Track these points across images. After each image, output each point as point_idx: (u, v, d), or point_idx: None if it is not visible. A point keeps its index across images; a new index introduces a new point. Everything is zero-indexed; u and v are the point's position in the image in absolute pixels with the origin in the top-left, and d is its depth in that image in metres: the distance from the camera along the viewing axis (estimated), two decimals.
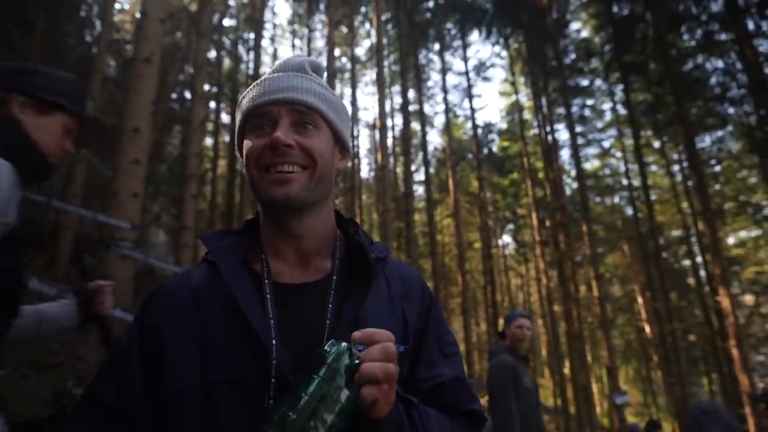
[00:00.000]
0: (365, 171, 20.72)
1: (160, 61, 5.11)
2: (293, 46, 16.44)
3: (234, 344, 0.47)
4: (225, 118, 15.46)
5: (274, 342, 0.46)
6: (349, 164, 17.12)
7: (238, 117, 0.58)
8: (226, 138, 15.74)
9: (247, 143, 0.54)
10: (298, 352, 0.47)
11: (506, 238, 22.64)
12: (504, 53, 17.09)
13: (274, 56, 15.89)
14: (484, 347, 16.80)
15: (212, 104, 15.12)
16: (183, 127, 13.78)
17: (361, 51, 17.82)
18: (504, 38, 16.74)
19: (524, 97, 17.59)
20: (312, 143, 0.53)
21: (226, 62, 14.88)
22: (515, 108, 17.56)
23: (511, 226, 20.19)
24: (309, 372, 0.40)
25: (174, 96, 14.92)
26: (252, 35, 14.24)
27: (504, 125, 19.61)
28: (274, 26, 15.91)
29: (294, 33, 16.43)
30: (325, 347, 0.42)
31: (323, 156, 0.54)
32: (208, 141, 15.25)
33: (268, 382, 0.45)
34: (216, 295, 0.50)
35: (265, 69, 15.51)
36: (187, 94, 14.19)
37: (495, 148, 19.21)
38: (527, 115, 17.65)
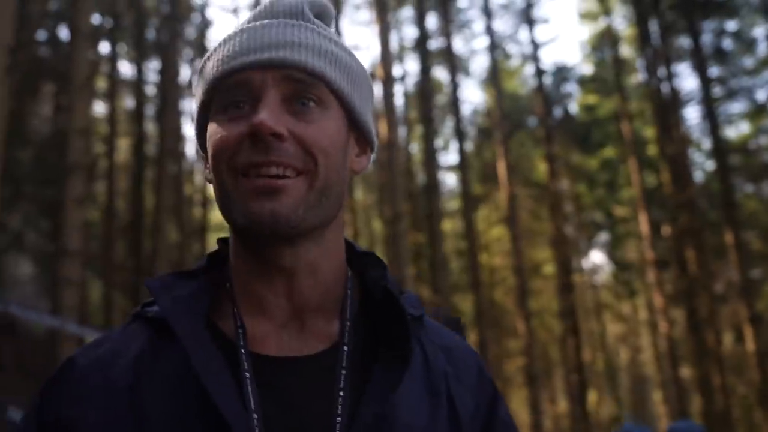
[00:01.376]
0: None
1: None
2: None
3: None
4: (126, 69, 16.13)
5: None
6: None
7: (199, 89, 0.62)
8: (129, 102, 16.15)
9: (212, 130, 0.58)
10: None
11: (597, 257, 22.91)
12: None
13: None
14: None
15: (105, 47, 15.45)
16: (58, 86, 14.18)
17: None
18: None
19: (620, 21, 17.67)
20: (314, 132, 0.56)
21: None
22: (606, 40, 17.74)
23: (604, 237, 20.47)
24: None
25: (42, 36, 15.18)
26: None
27: (588, 69, 19.70)
28: None
29: None
30: None
31: (332, 152, 0.57)
32: (100, 108, 15.62)
33: None
34: (166, 374, 0.55)
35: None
36: (64, 32, 14.74)
37: (574, 108, 19.49)
38: (626, 51, 17.86)
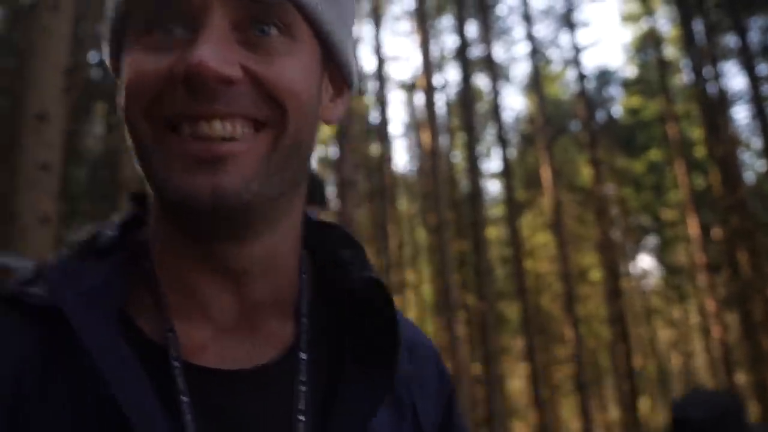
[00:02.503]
0: (402, 160, 21.38)
1: (73, 4, 5.22)
2: None
3: None
4: None
5: None
6: (377, 150, 17.72)
7: (111, 8, 0.45)
8: None
9: (128, 61, 0.42)
10: None
11: (645, 261, 22.64)
12: None
13: None
14: None
15: None
16: (109, 107, 13.99)
17: None
18: None
19: (664, 22, 17.53)
20: (279, 71, 0.41)
21: None
22: (649, 41, 17.66)
23: (652, 241, 20.21)
24: None
25: (94, 58, 15.72)
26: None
27: (631, 71, 19.66)
28: None
29: None
30: None
31: (304, 97, 0.43)
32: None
33: None
34: (63, 391, 0.39)
35: None
36: None
37: (618, 111, 19.46)
38: (670, 52, 17.71)
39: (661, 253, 20.00)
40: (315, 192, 1.73)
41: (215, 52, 0.37)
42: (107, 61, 0.48)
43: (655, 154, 18.05)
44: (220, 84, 0.37)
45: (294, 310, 0.49)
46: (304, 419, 0.43)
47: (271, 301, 0.47)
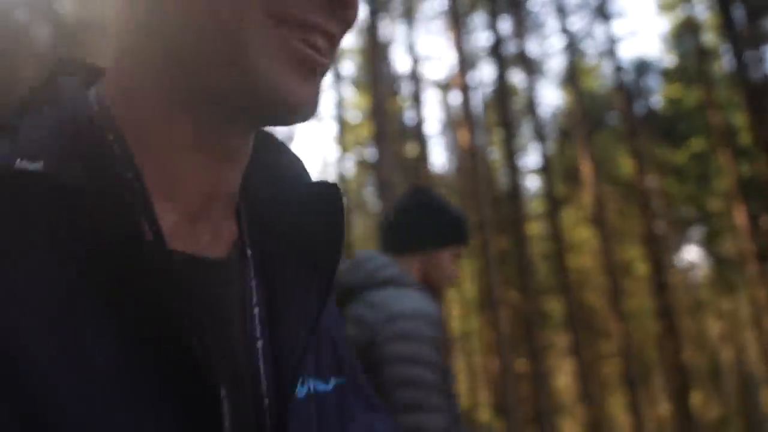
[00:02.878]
0: (438, 160, 21.37)
1: None
2: None
3: (128, 375, 0.32)
4: None
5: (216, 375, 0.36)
6: (413, 150, 17.77)
7: None
8: None
9: None
10: (235, 398, 0.38)
11: (691, 253, 22.17)
12: None
13: None
14: None
15: None
16: None
17: None
18: None
19: (702, 9, 17.31)
20: None
21: None
22: (687, 28, 17.48)
23: (697, 232, 20.05)
24: None
25: None
26: None
27: (670, 61, 19.39)
28: None
29: None
30: None
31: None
32: None
33: None
34: (58, 253, 0.33)
35: None
36: None
37: (658, 102, 19.28)
38: (710, 39, 17.47)
39: (709, 244, 19.69)
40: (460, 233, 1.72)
41: None
42: None
43: (697, 144, 17.81)
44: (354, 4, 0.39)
45: (236, 205, 0.49)
46: (258, 311, 0.44)
47: (231, 191, 0.46)
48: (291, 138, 17.99)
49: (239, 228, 0.47)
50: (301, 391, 0.45)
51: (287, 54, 0.37)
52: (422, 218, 1.71)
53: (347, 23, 0.40)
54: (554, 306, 17.56)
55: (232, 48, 0.36)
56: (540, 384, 14.32)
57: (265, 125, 0.43)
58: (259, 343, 0.43)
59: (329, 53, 0.40)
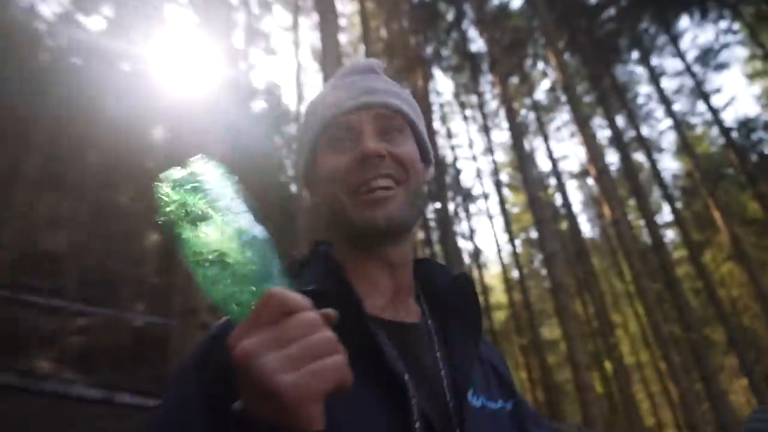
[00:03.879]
0: (587, 229, 23.84)
1: None
2: (465, 117, 22.98)
3: (363, 387, 0.55)
4: None
5: (409, 385, 0.59)
6: (564, 225, 21.38)
7: (308, 135, 0.78)
8: (420, 235, 21.97)
9: (324, 161, 0.73)
10: (429, 400, 0.62)
11: None
12: (736, 25, 19.43)
13: (449, 135, 22.57)
14: None
15: None
16: None
17: (540, 95, 22.99)
18: (729, 7, 19.47)
19: None
20: (403, 151, 0.71)
21: None
22: None
23: None
24: None
25: None
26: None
27: None
28: (441, 106, 22.89)
29: (462, 104, 23.08)
30: None
31: (416, 165, 0.73)
32: None
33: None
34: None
35: (445, 152, 22.00)
36: None
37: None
38: None
39: None
40: None
41: (372, 142, 0.68)
42: (302, 175, 0.81)
43: None
44: (377, 158, 0.67)
45: (415, 294, 0.77)
46: (439, 356, 0.69)
47: (408, 287, 0.75)
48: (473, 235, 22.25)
49: (421, 307, 0.77)
50: (475, 402, 0.67)
51: (359, 201, 0.68)
52: None
53: (394, 168, 0.70)
54: (716, 334, 18.69)
55: (341, 208, 0.70)
56: (719, 402, 14.43)
57: (372, 242, 0.70)
58: (442, 367, 0.67)
59: (396, 182, 0.69)
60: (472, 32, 20.98)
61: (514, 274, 22.06)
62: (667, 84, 20.72)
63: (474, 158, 22.70)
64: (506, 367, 0.83)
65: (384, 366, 0.58)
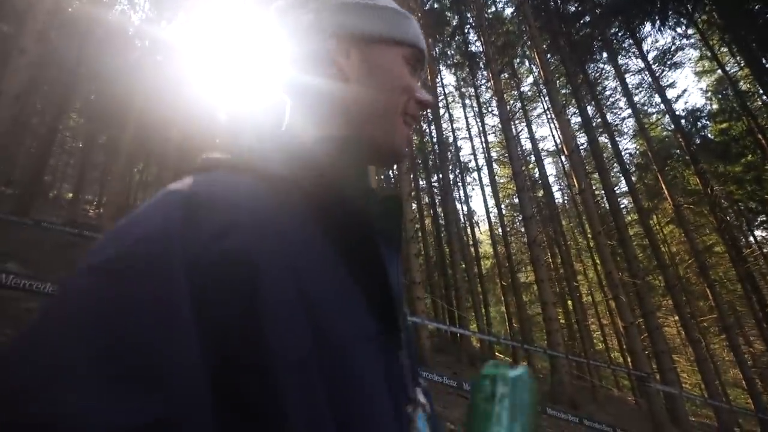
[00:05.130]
0: (558, 197, 24.12)
1: None
2: (464, 105, 23.08)
3: (352, 293, 0.44)
4: (422, 183, 22.76)
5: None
6: (540, 193, 21.96)
7: (400, 31, 0.57)
8: (426, 200, 22.68)
9: (400, 68, 0.56)
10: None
11: (760, 234, 21.68)
12: (690, 31, 19.10)
13: (451, 119, 22.75)
14: None
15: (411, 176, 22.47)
16: None
17: (526, 88, 22.87)
18: (685, 16, 19.07)
19: (734, 67, 18.86)
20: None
21: (414, 137, 22.31)
22: (724, 83, 19.05)
23: (762, 218, 19.46)
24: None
25: (382, 175, 23.00)
26: (429, 110, 21.34)
27: (715, 106, 20.22)
28: (445, 95, 22.96)
29: (462, 95, 23.12)
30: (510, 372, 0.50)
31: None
32: (413, 206, 22.39)
33: (398, 339, 0.48)
34: (309, 224, 0.44)
35: (447, 134, 22.20)
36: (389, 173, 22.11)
37: (710, 135, 19.80)
38: (745, 86, 18.69)
39: None
40: None
41: (430, 98, 0.59)
42: (344, 33, 0.55)
43: (749, 158, 18.30)
44: (425, 110, 0.59)
45: None
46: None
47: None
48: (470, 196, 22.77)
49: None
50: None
51: (401, 130, 0.56)
52: None
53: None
54: (657, 281, 19.04)
55: (390, 126, 0.55)
56: (655, 333, 15.26)
57: (384, 164, 0.58)
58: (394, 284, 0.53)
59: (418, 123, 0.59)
60: (472, 35, 20.95)
61: (499, 231, 22.36)
62: (630, 79, 20.46)
63: (470, 138, 23.04)
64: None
65: (382, 278, 0.47)
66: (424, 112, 0.69)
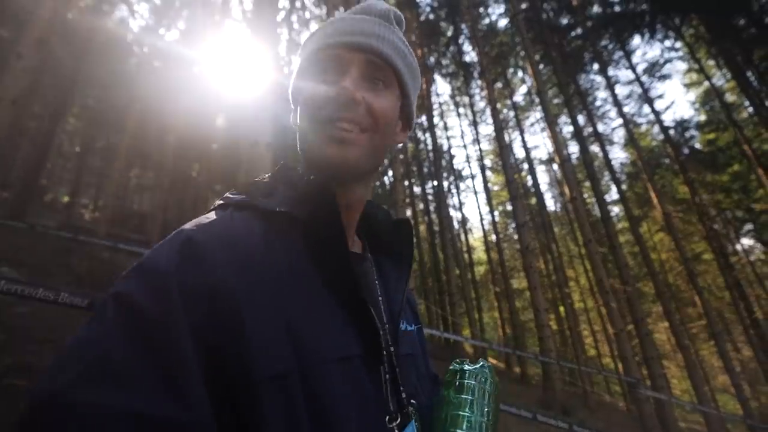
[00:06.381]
0: (551, 204, 24.20)
1: None
2: (458, 114, 23.17)
3: (333, 313, 0.48)
4: (416, 190, 22.77)
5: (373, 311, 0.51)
6: (533, 201, 22.06)
7: (303, 55, 0.61)
8: (421, 206, 22.74)
9: (304, 87, 0.57)
10: (377, 321, 0.53)
11: (747, 242, 21.75)
12: (678, 44, 19.28)
13: (445, 128, 22.84)
14: (756, 378, 17.18)
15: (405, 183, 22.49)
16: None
17: (519, 98, 22.87)
18: (673, 29, 19.35)
19: (720, 80, 19.09)
20: (380, 104, 0.56)
21: (409, 145, 22.35)
22: (711, 95, 19.35)
23: (749, 227, 19.65)
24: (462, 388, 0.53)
25: (378, 182, 22.97)
26: (424, 118, 21.51)
27: (702, 117, 20.41)
28: (440, 104, 23.07)
29: (456, 103, 23.22)
30: (476, 366, 0.58)
31: (388, 121, 0.58)
32: (407, 212, 22.25)
33: (380, 358, 0.51)
34: (294, 250, 0.49)
35: (442, 142, 22.35)
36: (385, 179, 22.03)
37: (698, 145, 19.81)
38: (731, 97, 18.95)
39: (760, 234, 19.25)
40: None
41: (353, 85, 0.54)
42: (290, 90, 0.63)
43: (735, 168, 18.38)
44: (352, 101, 0.53)
45: (359, 232, 0.68)
46: (378, 283, 0.62)
47: (356, 222, 0.64)
48: (463, 204, 22.76)
49: (362, 240, 0.68)
50: (401, 326, 0.61)
51: (322, 135, 0.53)
52: None
53: (364, 116, 0.54)
54: (647, 288, 18.96)
55: (306, 138, 0.56)
56: (645, 340, 15.69)
57: (331, 175, 0.54)
58: (380, 294, 0.60)
59: (362, 131, 0.54)
60: (467, 46, 21.12)
61: (493, 237, 22.37)
62: (620, 90, 20.88)
63: (465, 146, 22.89)
64: (414, 298, 0.78)
65: (356, 294, 0.49)
66: (348, 102, 0.60)
